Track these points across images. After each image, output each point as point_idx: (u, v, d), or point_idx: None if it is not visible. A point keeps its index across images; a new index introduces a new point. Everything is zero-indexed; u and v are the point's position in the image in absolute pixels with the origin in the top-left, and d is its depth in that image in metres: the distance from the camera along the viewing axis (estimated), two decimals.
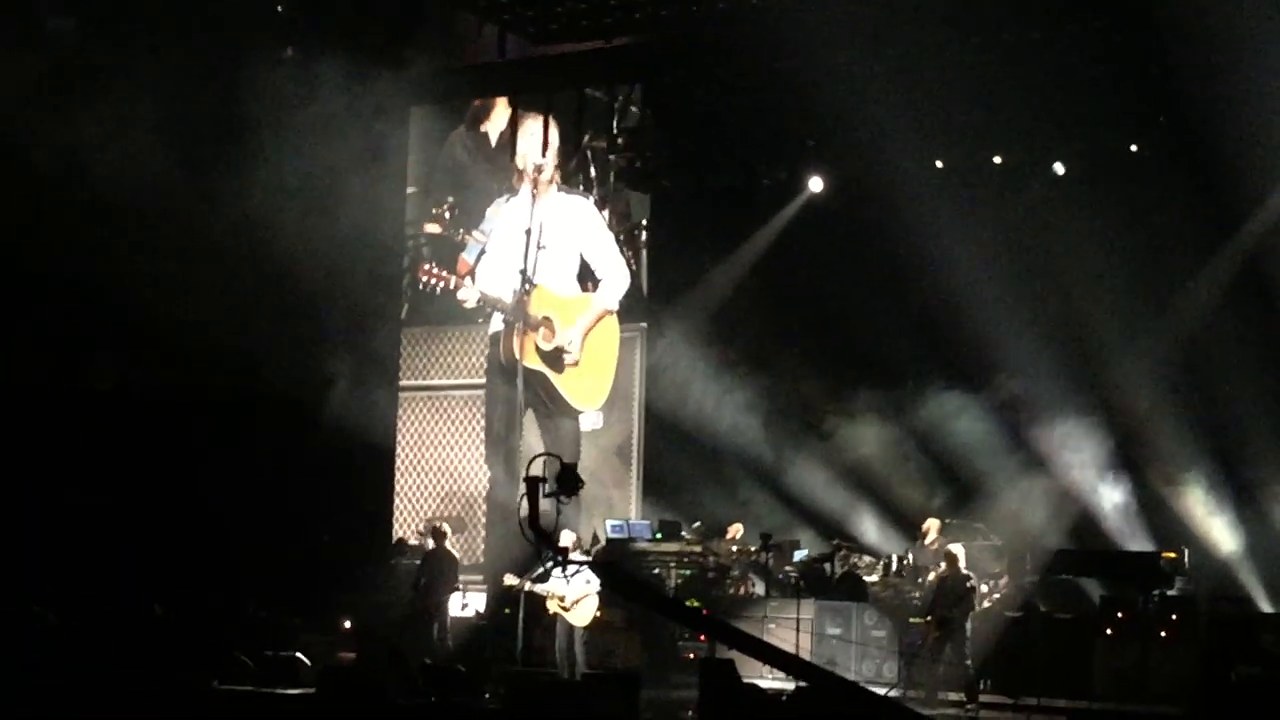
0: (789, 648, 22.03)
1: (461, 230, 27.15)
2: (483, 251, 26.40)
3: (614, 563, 20.60)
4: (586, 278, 26.52)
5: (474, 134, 28.38)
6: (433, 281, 25.28)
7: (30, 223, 22.82)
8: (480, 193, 27.74)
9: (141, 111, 22.97)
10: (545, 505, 25.39)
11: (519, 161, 26.59)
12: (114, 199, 22.54)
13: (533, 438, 26.38)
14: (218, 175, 23.45)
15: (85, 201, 22.76)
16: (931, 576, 22.34)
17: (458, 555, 24.05)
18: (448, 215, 27.89)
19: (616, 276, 26.49)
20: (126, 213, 22.79)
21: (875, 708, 15.26)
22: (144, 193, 22.69)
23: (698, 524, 25.59)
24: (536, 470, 14.54)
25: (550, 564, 20.16)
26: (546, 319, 25.48)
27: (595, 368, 26.27)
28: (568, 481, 14.40)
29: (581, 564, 20.15)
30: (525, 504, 14.46)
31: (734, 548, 24.79)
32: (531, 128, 27.52)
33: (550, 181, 25.99)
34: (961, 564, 21.20)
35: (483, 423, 27.36)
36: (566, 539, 21.74)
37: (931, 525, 23.85)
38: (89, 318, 23.86)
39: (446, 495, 28.10)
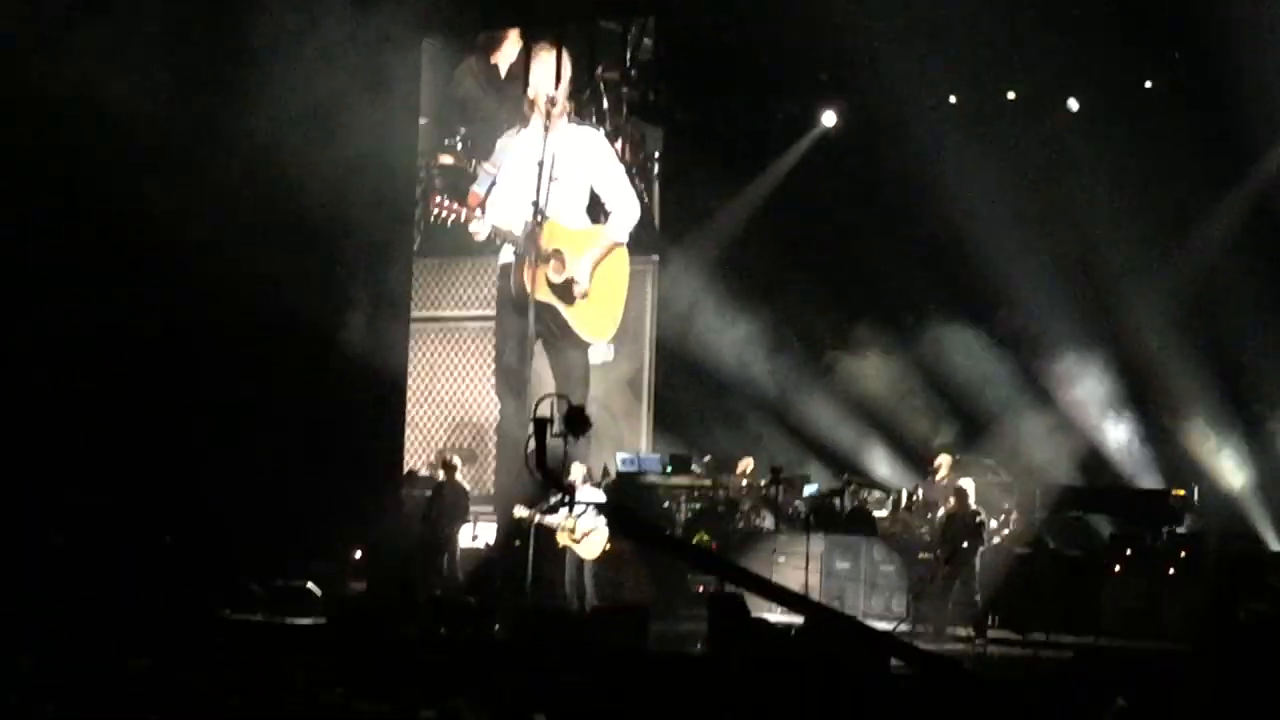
0: (798, 582, 22.28)
1: (474, 161, 27.11)
2: (493, 183, 26.34)
3: (622, 505, 20.63)
4: (597, 210, 26.47)
5: (485, 65, 28.28)
6: (444, 214, 25.24)
7: (35, 153, 22.75)
8: (491, 124, 27.68)
9: (144, 39, 22.87)
10: (554, 440, 25.52)
11: (530, 93, 26.49)
12: (116, 128, 22.46)
13: (543, 370, 26.40)
14: (222, 105, 23.33)
15: (88, 130, 22.68)
16: (941, 512, 22.37)
17: (468, 487, 24.11)
18: (459, 146, 27.87)
19: (626, 209, 26.43)
20: (129, 141, 22.71)
21: (876, 643, 15.31)
22: (147, 122, 22.61)
23: (708, 458, 25.60)
24: (544, 411, 14.52)
25: (558, 502, 20.34)
26: (557, 251, 25.45)
27: (605, 300, 26.25)
28: (575, 422, 14.41)
29: (589, 505, 20.26)
30: (532, 443, 14.47)
31: (744, 482, 24.79)
32: (544, 59, 27.40)
33: (562, 113, 25.90)
34: (971, 500, 21.19)
35: (493, 354, 27.38)
36: (577, 472, 21.84)
37: (943, 461, 23.80)
38: (94, 247, 23.80)
39: (457, 426, 28.16)
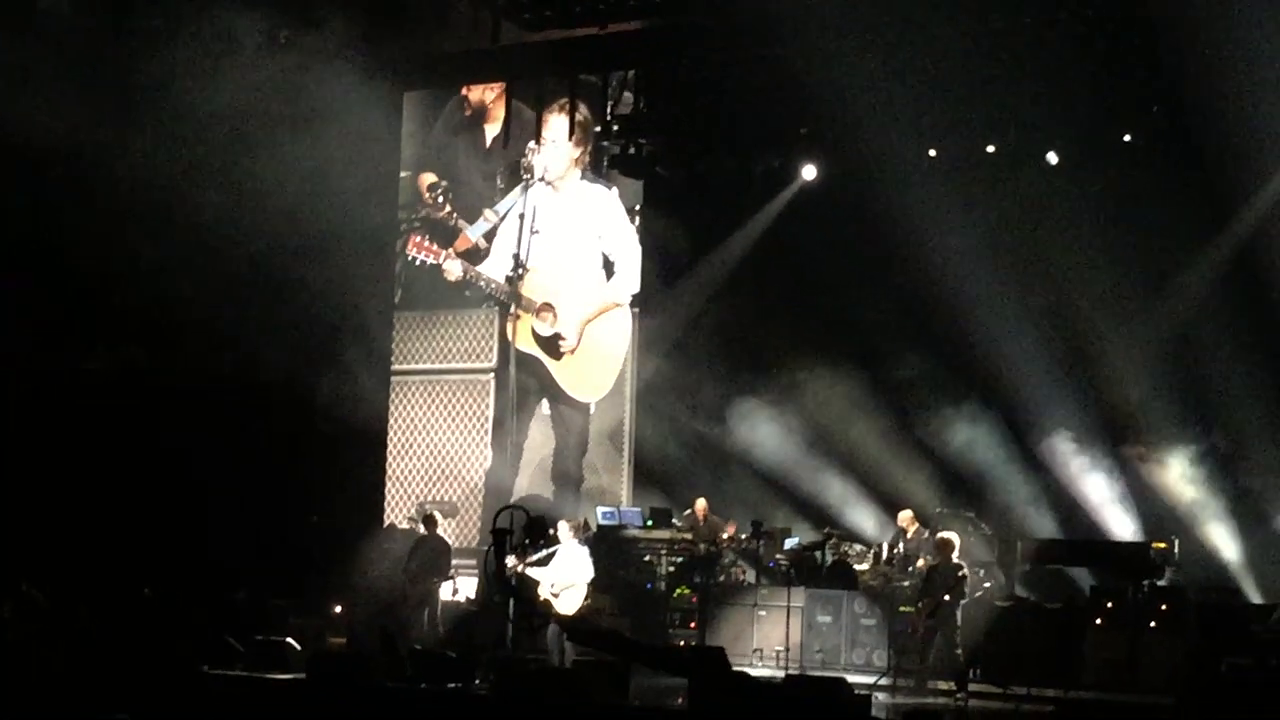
0: (779, 636, 22.29)
1: (455, 214, 27.16)
2: (494, 229, 26.41)
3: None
4: (606, 268, 26.54)
5: (464, 118, 28.40)
6: (421, 254, 25.24)
7: (23, 206, 22.80)
8: (471, 176, 27.78)
9: (131, 94, 22.94)
10: (543, 493, 25.56)
11: (542, 148, 26.57)
12: (102, 183, 22.51)
13: (536, 426, 26.46)
14: (206, 159, 23.41)
15: (76, 186, 22.73)
16: (921, 564, 22.37)
17: (450, 541, 24.06)
18: (440, 198, 27.93)
19: (630, 270, 26.47)
20: (115, 196, 22.76)
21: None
22: (129, 179, 22.67)
23: (689, 511, 25.61)
24: (503, 523, 14.57)
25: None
26: (548, 305, 25.49)
27: (595, 359, 26.26)
28: (535, 531, 14.45)
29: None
30: (492, 556, 14.49)
31: (724, 534, 24.79)
32: (557, 115, 27.46)
33: (572, 166, 25.93)
34: (955, 553, 21.20)
35: (476, 407, 27.40)
36: (564, 529, 21.79)
37: (904, 517, 23.90)
38: (76, 301, 23.81)
39: (439, 479, 28.13)
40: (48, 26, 23.39)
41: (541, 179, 25.76)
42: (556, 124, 26.73)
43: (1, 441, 23.24)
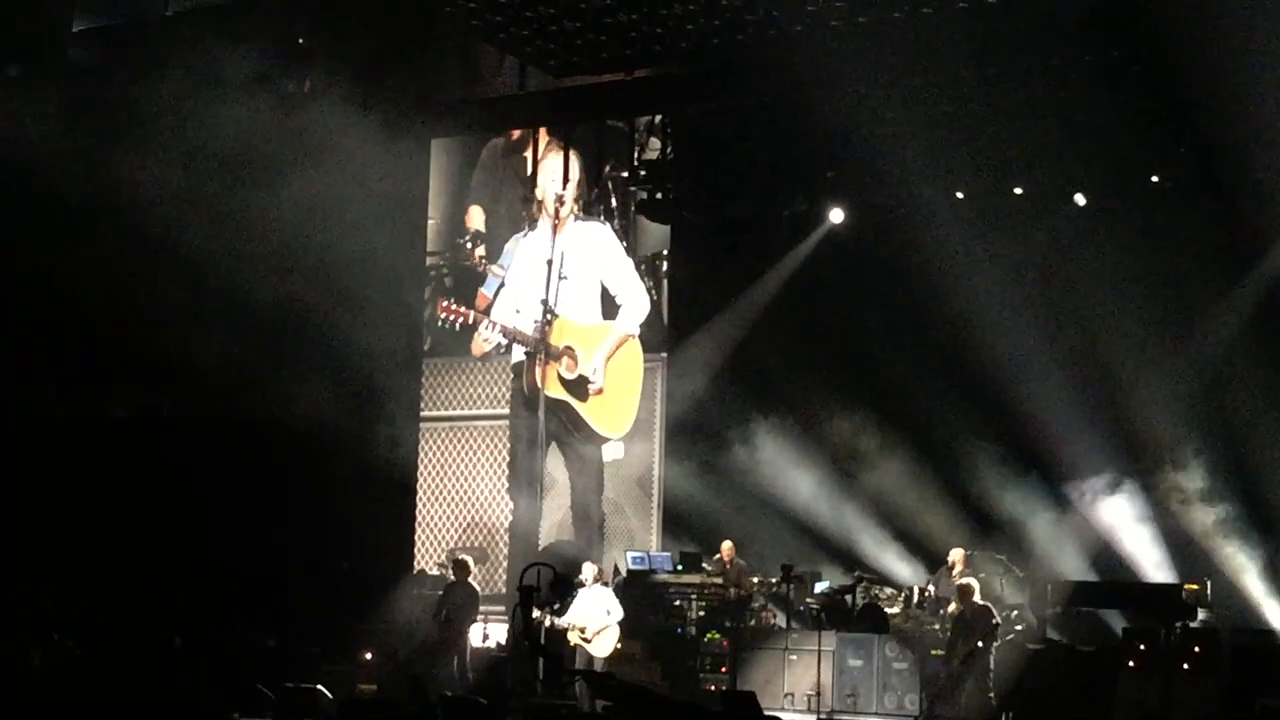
0: (810, 680, 22.23)
1: (484, 261, 27.22)
2: (501, 285, 26.42)
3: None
4: (607, 304, 26.51)
5: (494, 165, 28.49)
6: (451, 318, 25.23)
7: (51, 252, 22.92)
8: (502, 222, 27.85)
9: (160, 142, 23.07)
10: (569, 536, 25.55)
11: (539, 193, 26.65)
12: (130, 229, 22.62)
13: (556, 469, 26.40)
14: (235, 207, 23.52)
15: (103, 231, 22.86)
16: (953, 608, 22.34)
17: (478, 588, 24.04)
18: (469, 245, 28.00)
19: (636, 301, 26.46)
20: (142, 243, 22.87)
21: None
22: (160, 224, 22.78)
23: (717, 556, 25.55)
24: (530, 580, 14.53)
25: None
26: (569, 348, 25.47)
27: (619, 394, 26.23)
28: (561, 589, 14.40)
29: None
30: (520, 613, 14.42)
31: (754, 579, 24.74)
32: (552, 159, 27.62)
33: (570, 212, 25.99)
34: (976, 597, 21.12)
35: (504, 453, 27.39)
36: (588, 572, 21.83)
37: (956, 555, 23.74)
38: (104, 346, 23.90)
39: (468, 526, 28.13)
40: (77, 74, 23.57)
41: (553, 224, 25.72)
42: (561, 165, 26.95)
43: (31, 490, 23.32)
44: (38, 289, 23.34)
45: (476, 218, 28.41)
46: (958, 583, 21.51)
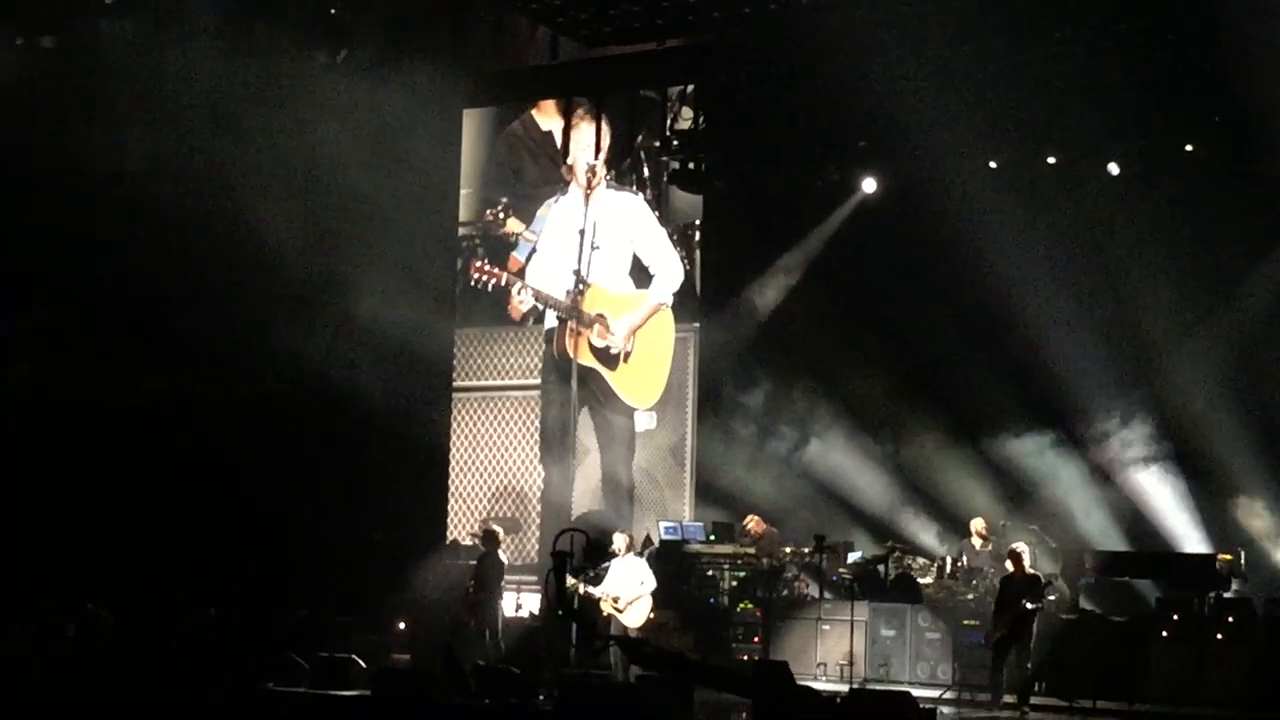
0: (843, 650, 22.25)
1: (515, 228, 27.21)
2: (534, 250, 26.34)
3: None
4: (640, 274, 26.45)
5: (526, 134, 28.45)
6: (485, 279, 25.17)
7: (79, 232, 22.98)
8: (533, 190, 27.79)
9: (189, 113, 23.10)
10: (600, 504, 25.52)
11: (570, 161, 26.57)
12: (159, 204, 22.68)
13: (587, 437, 26.37)
14: (266, 180, 23.55)
15: (132, 207, 22.91)
16: (989, 578, 22.29)
17: (505, 559, 23.99)
18: (501, 215, 27.98)
19: (670, 271, 26.32)
20: (172, 217, 22.93)
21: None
22: (190, 198, 22.82)
23: (746, 528, 25.52)
24: (563, 546, 14.54)
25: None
26: (600, 316, 25.38)
27: (649, 364, 26.11)
28: (594, 554, 14.41)
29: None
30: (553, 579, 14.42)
31: (786, 549, 24.72)
32: (584, 128, 27.57)
33: (601, 180, 25.90)
34: (1026, 563, 21.09)
35: (536, 423, 27.35)
36: (619, 541, 21.85)
37: (978, 524, 23.74)
38: (139, 323, 23.97)
39: (500, 495, 28.16)
40: (111, 49, 23.59)
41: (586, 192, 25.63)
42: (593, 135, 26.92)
43: (67, 466, 23.42)
44: (79, 267, 23.42)
45: (507, 187, 28.39)
46: (1011, 548, 21.41)
